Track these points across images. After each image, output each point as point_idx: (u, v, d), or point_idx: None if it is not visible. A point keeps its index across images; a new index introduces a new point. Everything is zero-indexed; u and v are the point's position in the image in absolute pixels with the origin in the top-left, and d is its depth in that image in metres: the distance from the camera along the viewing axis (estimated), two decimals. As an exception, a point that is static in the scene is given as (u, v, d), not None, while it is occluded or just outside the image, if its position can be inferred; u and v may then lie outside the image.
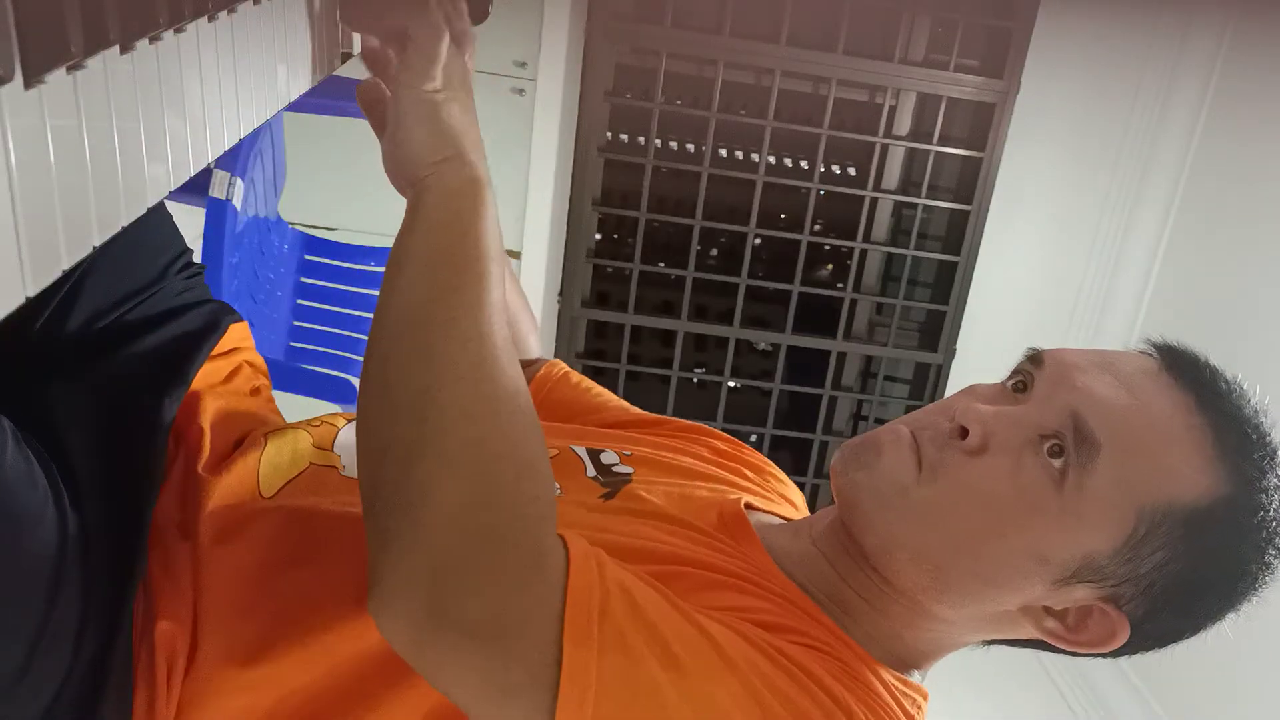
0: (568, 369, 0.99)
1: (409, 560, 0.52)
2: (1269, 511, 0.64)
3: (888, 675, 0.68)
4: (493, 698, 0.52)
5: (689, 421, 0.94)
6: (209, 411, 0.81)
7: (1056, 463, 0.64)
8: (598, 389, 0.98)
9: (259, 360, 0.94)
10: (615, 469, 0.80)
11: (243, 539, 0.71)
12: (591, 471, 0.79)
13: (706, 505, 0.75)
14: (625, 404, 0.97)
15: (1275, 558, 0.66)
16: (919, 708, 0.68)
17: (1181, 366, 0.67)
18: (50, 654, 0.61)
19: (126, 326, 0.81)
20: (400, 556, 0.52)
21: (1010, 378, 0.71)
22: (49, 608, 0.60)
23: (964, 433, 0.67)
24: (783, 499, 0.87)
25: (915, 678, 0.71)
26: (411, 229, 0.62)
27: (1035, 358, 0.70)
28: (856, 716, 0.58)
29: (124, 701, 0.64)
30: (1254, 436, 0.65)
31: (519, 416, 0.58)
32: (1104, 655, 0.70)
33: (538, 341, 1.02)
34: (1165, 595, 0.65)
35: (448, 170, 0.64)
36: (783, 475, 0.91)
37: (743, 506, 0.75)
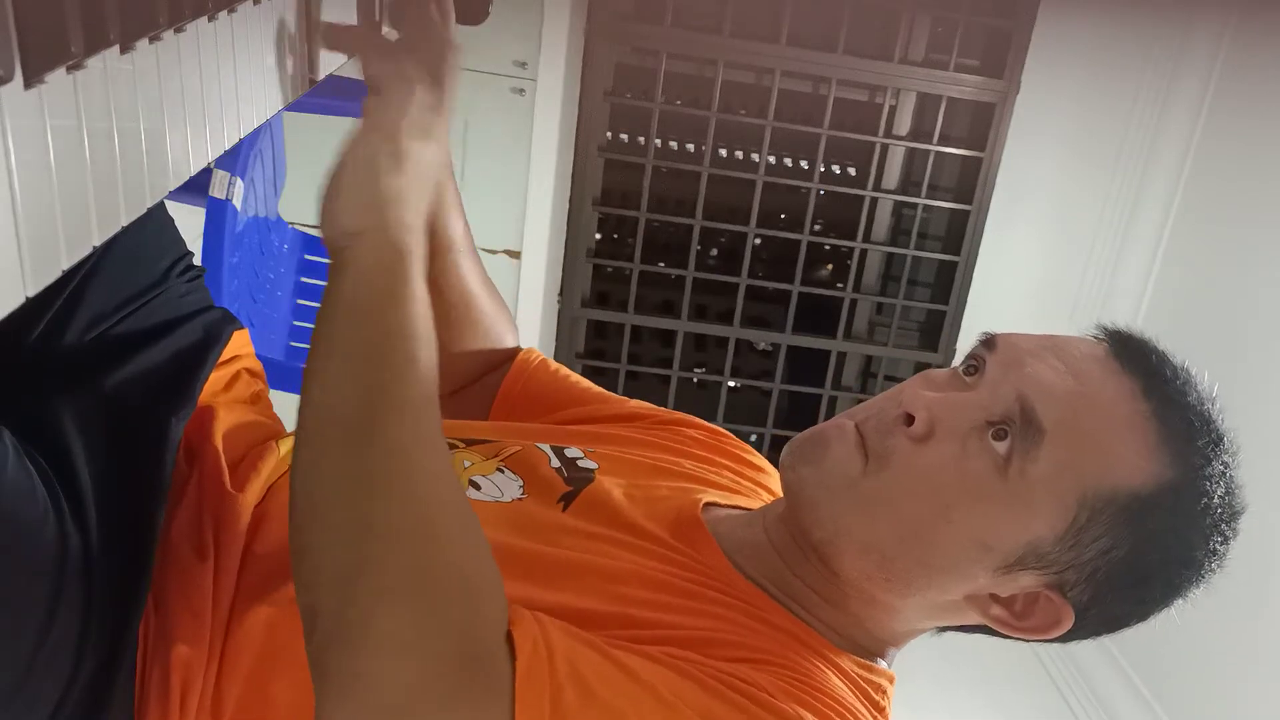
0: (543, 357, 0.98)
1: (353, 703, 0.51)
2: (1212, 498, 0.64)
3: (849, 664, 0.68)
4: None
5: (668, 412, 0.93)
6: (220, 427, 0.80)
7: (1001, 446, 0.64)
8: (575, 377, 0.97)
9: (257, 366, 0.94)
10: (579, 463, 0.80)
11: (237, 555, 0.71)
12: (555, 463, 0.79)
13: (666, 507, 0.75)
14: (604, 393, 0.96)
15: (1220, 544, 0.66)
16: (884, 692, 0.69)
17: (1129, 352, 0.67)
18: (47, 670, 0.60)
19: (129, 336, 0.80)
20: (343, 700, 0.51)
21: (964, 361, 0.71)
22: (47, 623, 0.60)
23: (910, 419, 0.67)
24: (761, 489, 0.87)
25: (880, 664, 0.71)
26: (331, 314, 0.59)
27: (989, 341, 0.70)
28: None
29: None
30: (1198, 423, 0.65)
31: (455, 524, 0.56)
32: (1053, 640, 0.71)
33: (515, 339, 1.00)
34: (1109, 581, 0.65)
35: (366, 245, 0.59)
36: (764, 464, 0.91)
37: (701, 508, 0.75)
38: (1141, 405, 0.64)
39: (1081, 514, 0.64)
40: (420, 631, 0.52)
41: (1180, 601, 0.68)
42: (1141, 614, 0.68)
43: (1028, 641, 0.69)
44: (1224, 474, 0.65)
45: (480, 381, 0.97)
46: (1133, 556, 0.64)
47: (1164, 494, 0.63)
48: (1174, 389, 0.65)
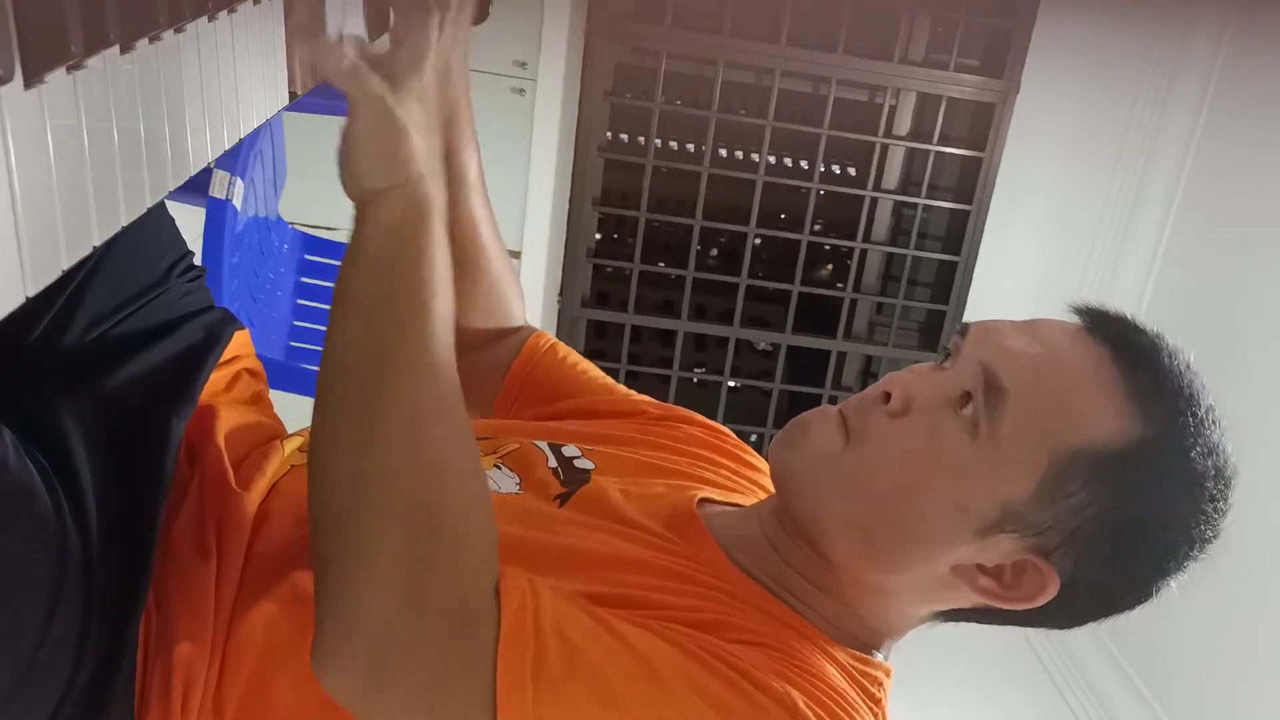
0: (554, 341, 0.99)
1: (346, 627, 0.54)
2: (1189, 454, 0.64)
3: (844, 656, 0.68)
4: None
5: (670, 407, 0.94)
6: (223, 427, 0.80)
7: (967, 411, 0.66)
8: (584, 365, 0.98)
9: (257, 366, 0.94)
10: (576, 462, 0.81)
11: (240, 553, 0.71)
12: (552, 463, 0.81)
13: (662, 504, 0.76)
14: (610, 383, 0.97)
15: (1209, 505, 0.65)
16: (880, 685, 0.69)
17: (1101, 324, 0.68)
18: (47, 670, 0.60)
19: (130, 336, 0.80)
20: (338, 624, 0.55)
21: (941, 351, 0.74)
22: (47, 623, 0.60)
23: (887, 398, 0.70)
24: (758, 488, 0.88)
25: (877, 657, 0.71)
26: (353, 264, 0.60)
27: (963, 329, 0.72)
28: (800, 713, 0.58)
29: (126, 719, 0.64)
30: (1169, 383, 0.65)
31: (457, 471, 0.58)
32: (1052, 621, 0.70)
33: (521, 306, 1.01)
34: (1092, 544, 0.65)
35: (393, 199, 0.60)
36: (763, 464, 0.90)
37: (696, 504, 0.76)
38: (1110, 367, 0.65)
39: (1051, 469, 0.64)
40: (409, 576, 0.55)
41: (1177, 576, 0.67)
42: (1135, 587, 0.67)
43: (1018, 612, 0.69)
44: (1199, 431, 0.65)
45: (491, 349, 0.98)
46: (1110, 515, 0.64)
47: (1136, 449, 0.64)
48: (1143, 351, 0.66)
